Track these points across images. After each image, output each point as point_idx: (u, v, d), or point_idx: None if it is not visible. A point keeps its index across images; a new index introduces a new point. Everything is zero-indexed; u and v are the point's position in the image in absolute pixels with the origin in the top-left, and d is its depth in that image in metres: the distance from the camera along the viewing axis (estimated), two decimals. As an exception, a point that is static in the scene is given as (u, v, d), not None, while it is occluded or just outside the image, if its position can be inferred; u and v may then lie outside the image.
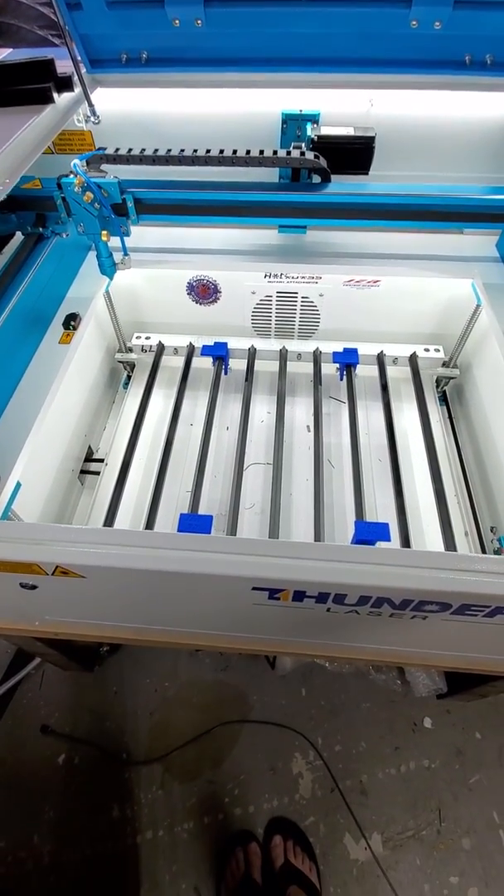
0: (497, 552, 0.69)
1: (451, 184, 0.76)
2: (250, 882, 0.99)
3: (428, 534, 0.73)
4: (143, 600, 0.56)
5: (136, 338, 0.93)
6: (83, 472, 0.85)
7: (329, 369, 0.91)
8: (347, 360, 0.88)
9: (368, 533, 0.62)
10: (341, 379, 0.90)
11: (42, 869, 1.04)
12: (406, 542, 0.66)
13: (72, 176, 0.67)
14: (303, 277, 0.85)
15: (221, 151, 0.69)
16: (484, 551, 0.73)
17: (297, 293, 0.88)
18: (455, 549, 0.65)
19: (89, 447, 0.87)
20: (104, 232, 0.70)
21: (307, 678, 1.24)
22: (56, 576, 0.49)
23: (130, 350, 0.94)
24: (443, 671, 1.12)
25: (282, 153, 0.68)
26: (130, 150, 0.70)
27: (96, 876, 1.03)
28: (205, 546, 0.46)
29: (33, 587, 0.53)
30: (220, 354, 0.90)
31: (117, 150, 0.70)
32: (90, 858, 1.05)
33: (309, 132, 0.73)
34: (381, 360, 0.89)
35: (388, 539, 0.62)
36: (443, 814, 1.08)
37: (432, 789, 1.11)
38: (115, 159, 0.70)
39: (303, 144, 0.73)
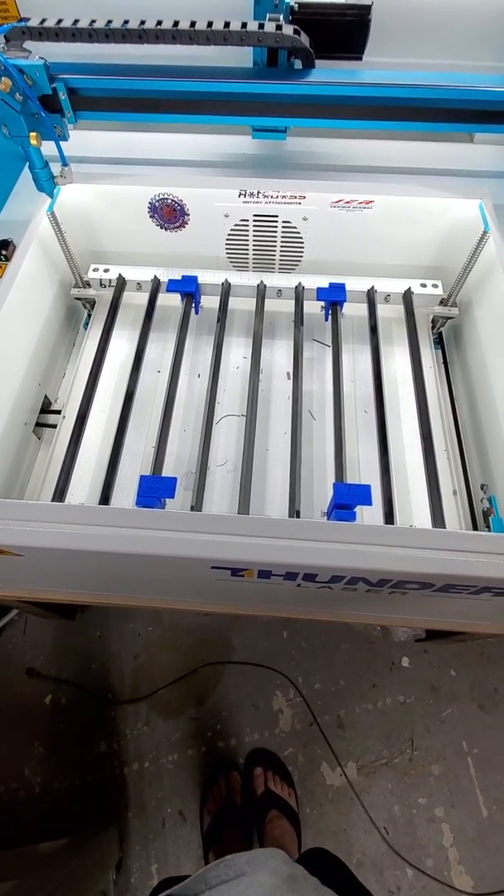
0: (486, 513, 0.64)
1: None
2: (231, 805, 1.05)
3: (414, 493, 0.68)
4: (93, 573, 0.51)
5: (94, 270, 0.81)
6: (39, 424, 0.77)
7: (313, 308, 0.80)
8: (333, 298, 0.77)
9: (348, 497, 0.57)
10: (326, 319, 0.80)
11: (34, 797, 1.10)
12: (389, 504, 0.61)
13: (-14, 56, 0.53)
14: (283, 197, 0.72)
15: (176, 24, 0.54)
16: (472, 511, 0.68)
17: (277, 216, 0.76)
18: (441, 510, 0.60)
19: (46, 397, 0.79)
20: (34, 134, 0.56)
21: (289, 622, 1.25)
22: (-10, 555, 0.44)
23: (88, 285, 0.83)
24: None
25: (253, 26, 0.54)
26: (60, 20, 0.55)
27: (85, 802, 1.09)
28: (148, 523, 0.40)
29: (-29, 563, 0.48)
30: (189, 290, 0.79)
31: (43, 20, 0.55)
32: (79, 787, 1.10)
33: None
34: (371, 296, 0.79)
35: (369, 503, 0.56)
36: (415, 744, 1.14)
37: (406, 722, 1.16)
38: (42, 34, 0.55)
39: (280, 16, 0.58)
